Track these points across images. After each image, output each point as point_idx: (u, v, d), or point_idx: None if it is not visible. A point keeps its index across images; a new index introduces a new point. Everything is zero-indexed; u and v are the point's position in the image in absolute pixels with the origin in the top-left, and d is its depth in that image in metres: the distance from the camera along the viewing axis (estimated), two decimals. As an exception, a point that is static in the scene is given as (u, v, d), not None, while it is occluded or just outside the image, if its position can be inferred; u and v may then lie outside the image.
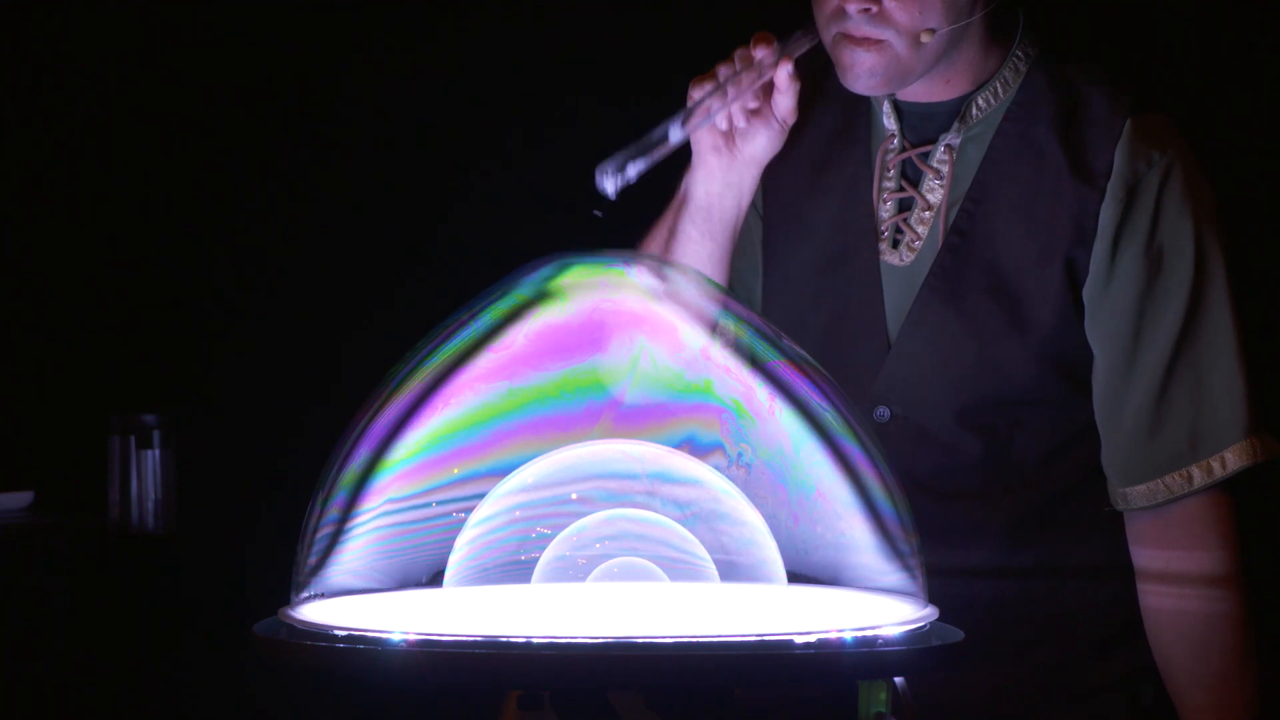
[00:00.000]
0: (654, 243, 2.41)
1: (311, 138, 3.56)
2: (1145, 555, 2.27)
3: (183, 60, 3.58)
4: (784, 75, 2.29)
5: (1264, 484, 2.25)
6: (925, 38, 2.22)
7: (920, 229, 2.31)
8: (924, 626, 1.64)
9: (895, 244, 2.32)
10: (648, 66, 3.11)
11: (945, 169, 2.31)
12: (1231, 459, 2.23)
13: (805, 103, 2.36)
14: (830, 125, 2.40)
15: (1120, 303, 2.26)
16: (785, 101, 2.30)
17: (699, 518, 1.72)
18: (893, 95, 2.33)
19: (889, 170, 2.34)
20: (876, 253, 2.33)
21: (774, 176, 2.40)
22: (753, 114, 2.32)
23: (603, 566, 1.71)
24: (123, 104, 3.58)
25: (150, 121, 3.58)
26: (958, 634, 1.65)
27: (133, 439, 3.17)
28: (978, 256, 2.28)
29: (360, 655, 1.56)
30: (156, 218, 3.59)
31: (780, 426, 1.75)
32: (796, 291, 2.39)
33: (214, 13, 3.56)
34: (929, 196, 2.31)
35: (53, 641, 3.11)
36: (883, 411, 2.29)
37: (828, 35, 2.25)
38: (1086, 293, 2.26)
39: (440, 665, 1.53)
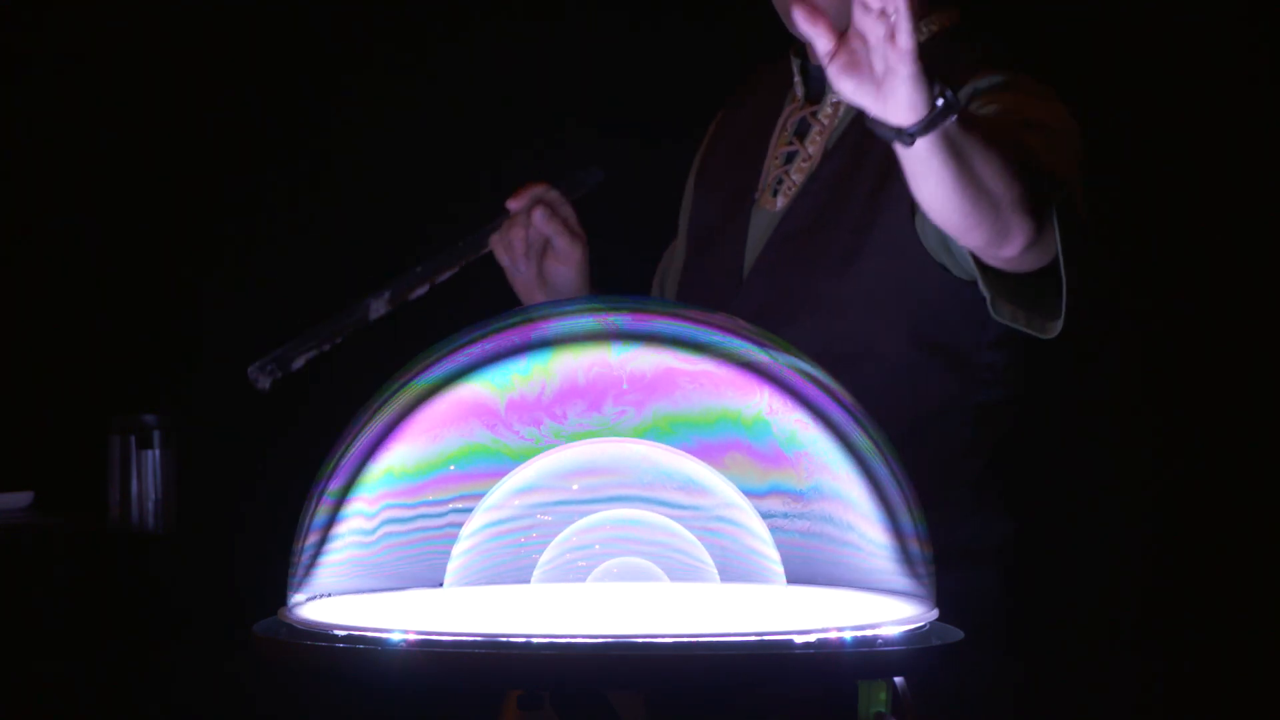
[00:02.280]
0: None
1: (312, 138, 3.56)
2: None
3: (183, 61, 3.58)
4: (539, 218, 2.48)
5: (1264, 485, 2.24)
6: None
7: (797, 177, 2.42)
8: (923, 626, 1.64)
9: (775, 193, 2.42)
10: (648, 75, 3.11)
11: (829, 122, 2.41)
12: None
13: (744, 95, 2.53)
14: (759, 108, 2.51)
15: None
16: (560, 242, 2.48)
17: (699, 517, 1.72)
18: (804, 59, 2.45)
19: (786, 129, 2.45)
20: (750, 200, 2.43)
21: (707, 161, 2.55)
22: (544, 255, 2.50)
23: (603, 566, 1.71)
24: (123, 104, 3.58)
25: (151, 122, 3.58)
26: (958, 634, 1.65)
27: (133, 439, 3.16)
28: (827, 198, 2.37)
29: (360, 655, 1.56)
30: (157, 218, 3.59)
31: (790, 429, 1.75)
32: (688, 248, 2.53)
33: (215, 14, 3.56)
34: (809, 148, 2.41)
35: (53, 641, 3.11)
36: None
37: None
38: None
39: (440, 665, 1.54)
